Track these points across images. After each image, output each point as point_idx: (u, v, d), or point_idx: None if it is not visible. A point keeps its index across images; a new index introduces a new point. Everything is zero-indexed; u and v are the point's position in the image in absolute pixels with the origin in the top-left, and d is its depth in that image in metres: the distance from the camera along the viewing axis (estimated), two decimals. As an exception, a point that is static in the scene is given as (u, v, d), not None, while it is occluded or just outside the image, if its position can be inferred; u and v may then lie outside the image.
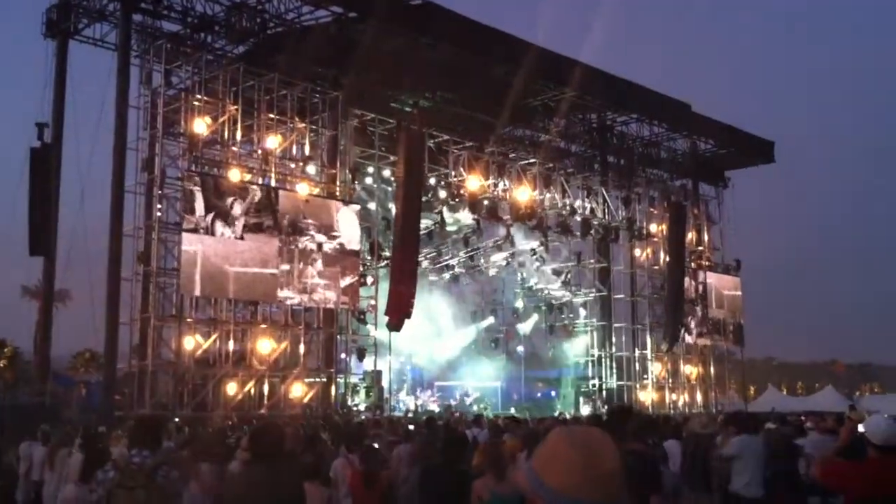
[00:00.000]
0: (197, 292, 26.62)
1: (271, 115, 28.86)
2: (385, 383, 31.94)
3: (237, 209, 26.74)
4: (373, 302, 30.96)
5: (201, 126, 27.13)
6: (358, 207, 30.81)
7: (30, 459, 13.14)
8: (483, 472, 6.90)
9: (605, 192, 39.27)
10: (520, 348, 43.63)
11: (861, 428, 5.97)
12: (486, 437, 13.77)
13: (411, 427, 17.25)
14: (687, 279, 41.75)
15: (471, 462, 7.98)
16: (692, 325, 42.60)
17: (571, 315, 42.89)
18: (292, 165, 29.95)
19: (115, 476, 5.41)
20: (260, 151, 28.84)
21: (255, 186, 27.80)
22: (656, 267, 42.49)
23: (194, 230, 25.92)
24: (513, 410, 34.98)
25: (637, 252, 42.72)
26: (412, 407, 34.55)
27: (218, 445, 8.27)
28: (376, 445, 10.30)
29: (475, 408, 35.18)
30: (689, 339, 42.62)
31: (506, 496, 6.40)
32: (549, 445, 2.20)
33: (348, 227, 29.74)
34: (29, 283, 47.66)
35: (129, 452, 5.63)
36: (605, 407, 38.82)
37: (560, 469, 2.13)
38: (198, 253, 25.80)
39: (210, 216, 26.10)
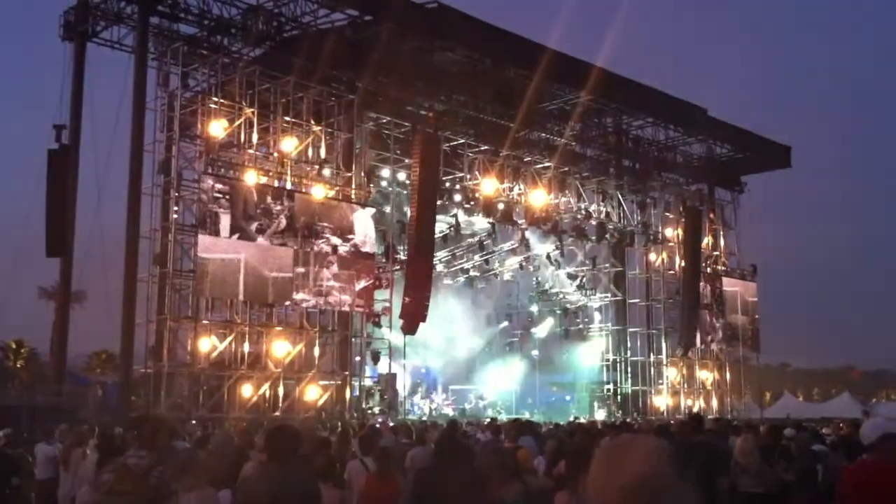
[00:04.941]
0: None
1: (287, 118, 28.98)
2: (400, 387, 31.95)
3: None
4: (387, 305, 30.98)
5: (217, 129, 27.25)
6: (373, 210, 30.85)
7: (43, 458, 13.15)
8: (493, 476, 6.84)
9: (620, 196, 39.17)
10: (534, 352, 43.50)
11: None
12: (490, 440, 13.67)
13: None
14: (702, 284, 41.58)
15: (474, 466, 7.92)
16: (708, 329, 42.41)
17: (586, 319, 42.80)
18: (308, 168, 30.02)
19: (108, 479, 5.30)
20: (276, 154, 28.95)
21: (271, 192, 27.95)
22: (672, 271, 42.31)
23: (209, 233, 26.14)
24: (527, 414, 34.90)
25: (652, 256, 42.62)
26: (427, 411, 34.51)
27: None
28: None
29: (489, 411, 35.12)
30: (704, 344, 42.41)
31: (512, 502, 6.33)
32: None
33: (363, 230, 29.78)
34: (46, 284, 48.31)
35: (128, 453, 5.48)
36: (620, 412, 38.71)
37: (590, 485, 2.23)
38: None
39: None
